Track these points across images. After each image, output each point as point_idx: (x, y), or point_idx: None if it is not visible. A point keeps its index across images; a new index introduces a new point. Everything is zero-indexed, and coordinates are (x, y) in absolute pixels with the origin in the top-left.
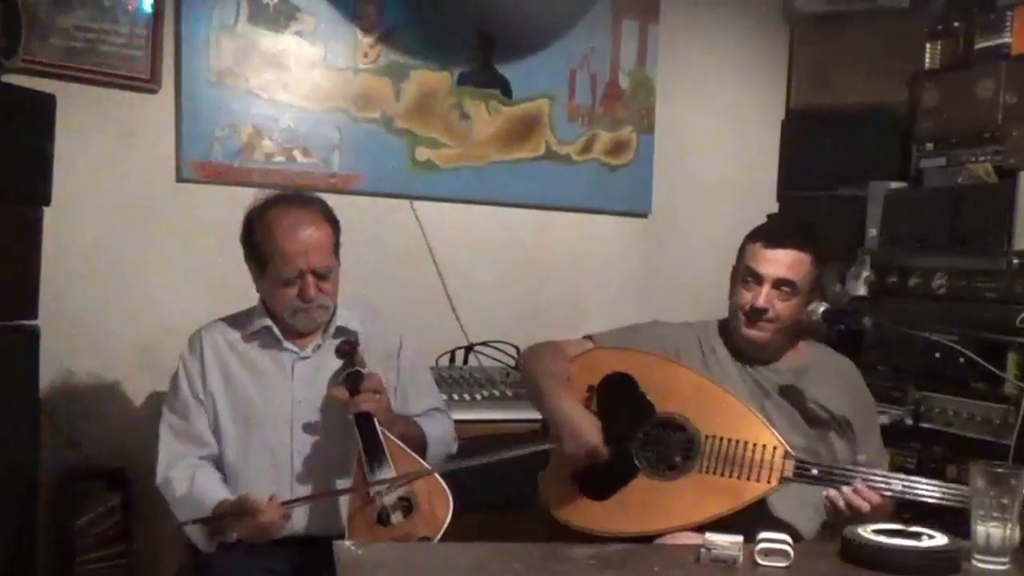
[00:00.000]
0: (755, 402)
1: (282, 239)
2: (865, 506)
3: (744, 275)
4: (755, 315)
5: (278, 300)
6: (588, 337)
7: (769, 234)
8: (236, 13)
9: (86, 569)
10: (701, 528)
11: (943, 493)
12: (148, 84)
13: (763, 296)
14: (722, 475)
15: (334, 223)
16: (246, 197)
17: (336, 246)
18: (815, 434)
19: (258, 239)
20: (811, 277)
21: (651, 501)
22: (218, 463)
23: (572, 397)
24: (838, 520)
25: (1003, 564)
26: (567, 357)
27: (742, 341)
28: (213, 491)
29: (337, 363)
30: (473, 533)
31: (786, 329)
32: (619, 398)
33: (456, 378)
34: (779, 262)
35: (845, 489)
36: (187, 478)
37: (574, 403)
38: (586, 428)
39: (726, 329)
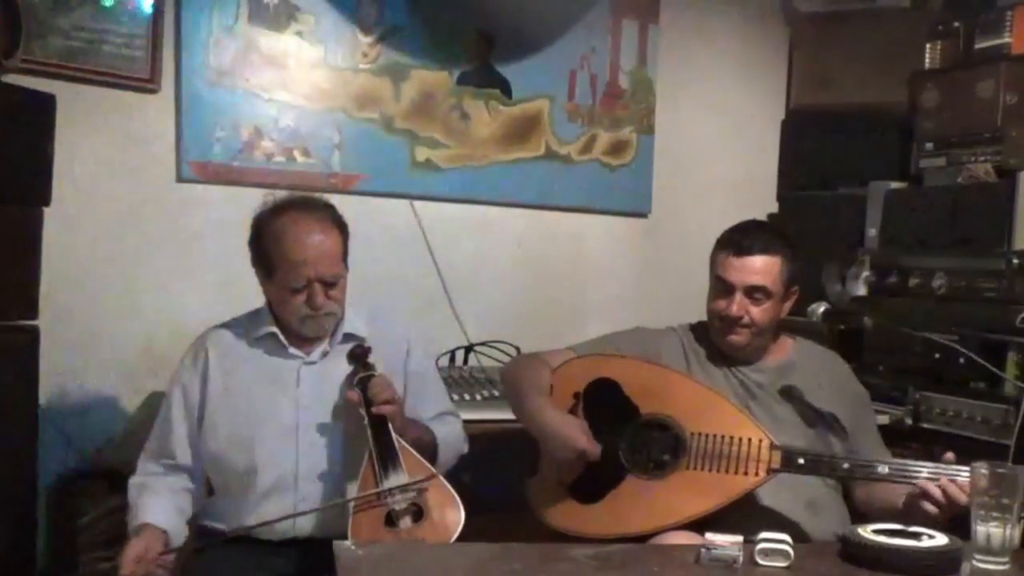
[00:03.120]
0: (739, 402)
1: (291, 248)
2: (962, 496)
3: (716, 284)
4: (730, 323)
5: (286, 307)
6: (570, 348)
7: (736, 242)
8: (236, 13)
9: (86, 569)
10: (693, 524)
11: (930, 473)
12: (148, 84)
13: (736, 304)
14: (710, 471)
15: (343, 229)
16: (246, 197)
17: (345, 253)
18: (808, 432)
19: (266, 245)
20: (783, 279)
21: (642, 501)
22: (192, 474)
23: (553, 406)
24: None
25: (1003, 564)
26: (550, 368)
27: (722, 346)
28: (142, 513)
29: (344, 368)
30: (473, 533)
31: (764, 331)
32: (604, 403)
33: (456, 378)
34: (748, 270)
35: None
36: (139, 488)
37: (556, 411)
38: (571, 431)
39: (708, 331)
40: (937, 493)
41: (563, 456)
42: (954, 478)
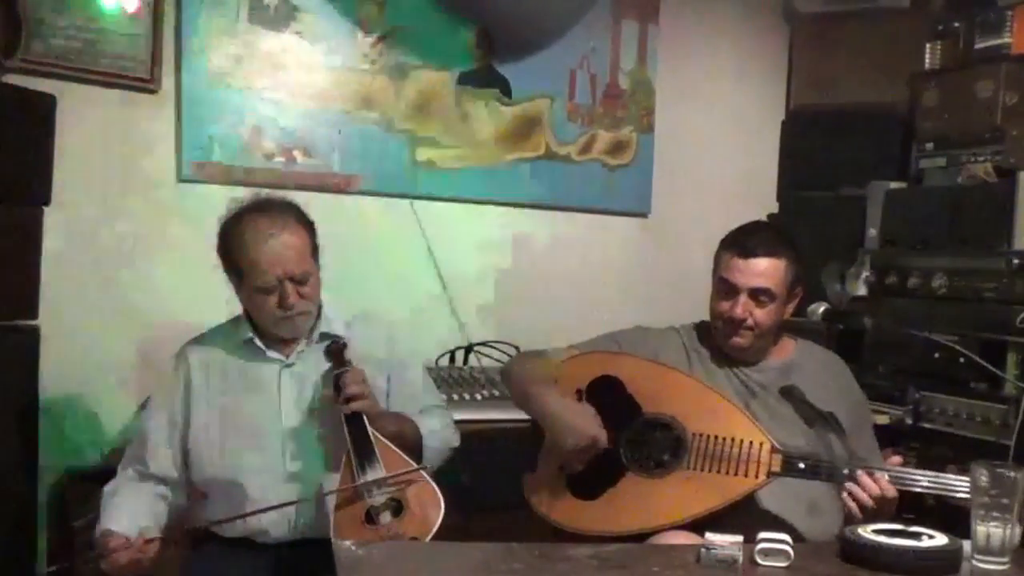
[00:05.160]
0: (740, 402)
1: (255, 248)
2: (867, 498)
3: (720, 285)
4: (734, 325)
5: (258, 310)
6: (572, 347)
7: (741, 244)
8: (236, 13)
9: (86, 569)
10: (692, 525)
11: (930, 482)
12: (148, 84)
13: (740, 306)
14: (710, 472)
15: (308, 226)
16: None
17: (314, 249)
18: (808, 432)
19: (232, 250)
20: (787, 281)
21: (641, 499)
22: (166, 482)
23: (561, 395)
24: (856, 517)
25: (1003, 564)
26: (552, 364)
27: (725, 347)
28: (110, 518)
29: (324, 367)
30: (473, 533)
31: (768, 333)
32: (607, 400)
33: (456, 378)
34: (752, 272)
35: (860, 477)
36: (109, 495)
37: (564, 399)
38: (582, 419)
39: (709, 331)
40: (862, 496)
41: (574, 443)
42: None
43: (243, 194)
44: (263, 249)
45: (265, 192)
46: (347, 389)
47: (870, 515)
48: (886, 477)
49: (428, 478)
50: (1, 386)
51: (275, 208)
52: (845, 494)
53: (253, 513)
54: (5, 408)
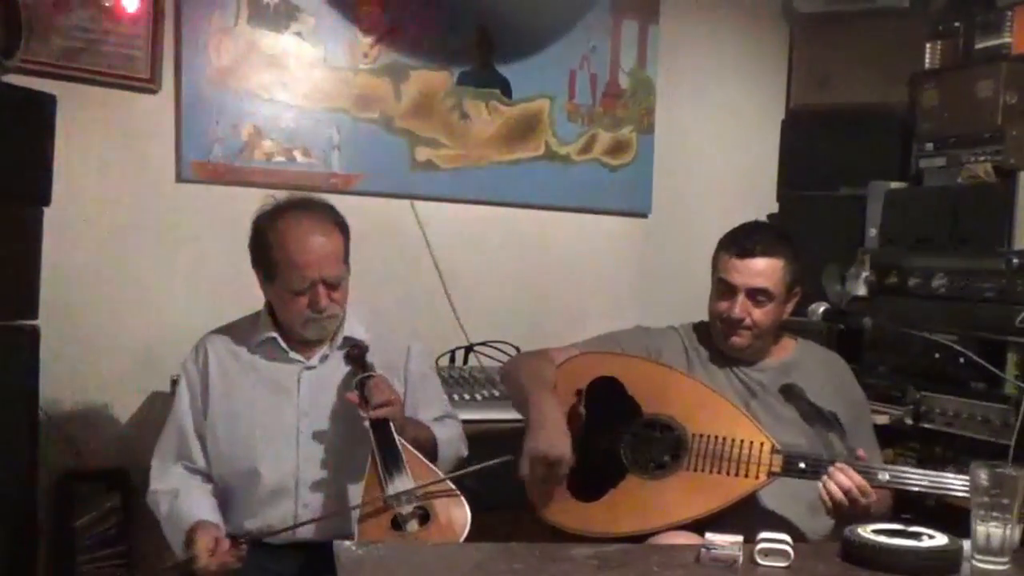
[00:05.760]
0: (741, 402)
1: (294, 249)
2: (848, 484)
3: (718, 286)
4: (732, 325)
5: (288, 309)
6: (573, 346)
7: (739, 244)
8: (236, 13)
9: (86, 569)
10: (692, 525)
11: (929, 482)
12: (148, 84)
13: (738, 306)
14: (711, 472)
15: (344, 230)
16: (246, 197)
17: (346, 253)
18: (809, 431)
19: (267, 248)
20: (785, 281)
21: (641, 500)
22: (208, 476)
23: (556, 403)
24: (839, 514)
25: (1003, 564)
26: (554, 364)
27: (724, 347)
28: (191, 512)
29: (344, 372)
30: (474, 533)
31: (766, 332)
32: (606, 400)
33: (456, 378)
34: (751, 272)
35: (831, 469)
36: (170, 494)
37: (558, 411)
38: (559, 436)
39: (709, 331)
40: (833, 489)
41: (542, 451)
42: (842, 468)
43: (240, 193)
44: (302, 251)
45: (299, 193)
46: (376, 396)
47: (847, 512)
48: (886, 477)
49: (454, 487)
50: (1, 386)
51: (315, 209)
52: (821, 487)
53: (299, 525)
54: (5, 408)
